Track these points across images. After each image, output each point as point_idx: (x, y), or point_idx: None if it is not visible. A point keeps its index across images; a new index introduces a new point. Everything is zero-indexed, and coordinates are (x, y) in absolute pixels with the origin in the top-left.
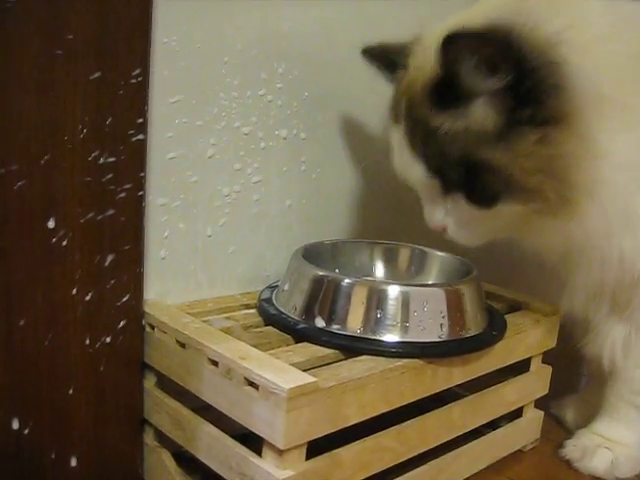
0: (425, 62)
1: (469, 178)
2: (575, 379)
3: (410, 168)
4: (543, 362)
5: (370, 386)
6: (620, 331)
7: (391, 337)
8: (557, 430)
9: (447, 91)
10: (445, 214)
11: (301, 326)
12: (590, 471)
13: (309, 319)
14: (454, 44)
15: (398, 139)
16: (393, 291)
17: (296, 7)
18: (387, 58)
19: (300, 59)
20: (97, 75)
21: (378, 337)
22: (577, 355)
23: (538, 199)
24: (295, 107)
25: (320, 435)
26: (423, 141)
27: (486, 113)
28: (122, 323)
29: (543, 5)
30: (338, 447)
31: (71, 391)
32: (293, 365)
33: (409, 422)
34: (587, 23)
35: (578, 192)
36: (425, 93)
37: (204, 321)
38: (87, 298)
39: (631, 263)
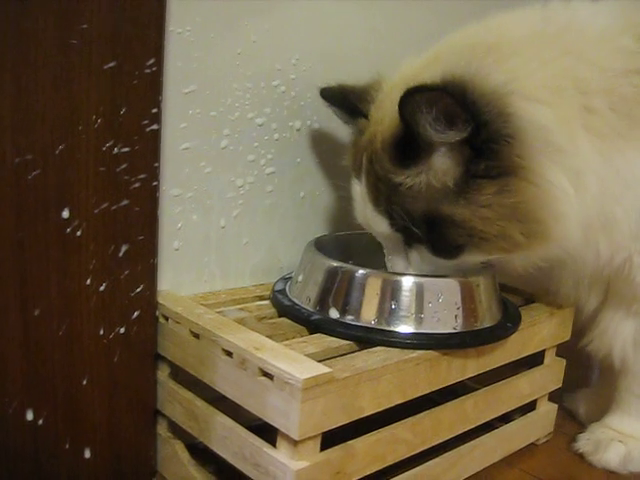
0: (384, 116)
1: (433, 232)
2: (588, 372)
3: (373, 222)
4: (557, 355)
5: (385, 377)
6: (629, 327)
7: (405, 328)
8: (570, 423)
9: (408, 146)
10: (408, 264)
11: (315, 317)
12: (603, 464)
13: (323, 310)
14: (413, 98)
15: (360, 193)
16: (407, 282)
17: None
18: (346, 101)
19: (314, 50)
20: (112, 65)
21: (392, 328)
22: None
23: (504, 244)
24: (309, 98)
25: (335, 426)
26: (386, 197)
27: (446, 166)
28: (136, 314)
29: (491, 55)
30: (352, 439)
31: (85, 382)
32: (308, 356)
33: (424, 413)
34: (531, 70)
35: (546, 224)
36: (386, 149)
37: (218, 312)
38: (101, 288)
39: (608, 259)
